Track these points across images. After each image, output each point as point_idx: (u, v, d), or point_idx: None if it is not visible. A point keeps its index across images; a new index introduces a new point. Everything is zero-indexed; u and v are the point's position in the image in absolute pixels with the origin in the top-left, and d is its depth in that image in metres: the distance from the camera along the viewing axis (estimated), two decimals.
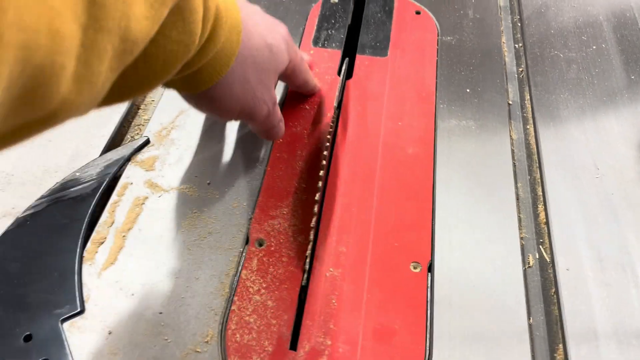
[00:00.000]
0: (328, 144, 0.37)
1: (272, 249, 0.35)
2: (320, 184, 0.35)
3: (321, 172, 0.35)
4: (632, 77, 0.47)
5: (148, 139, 0.40)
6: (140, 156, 0.39)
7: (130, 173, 0.38)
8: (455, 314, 0.32)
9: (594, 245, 0.36)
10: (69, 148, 0.39)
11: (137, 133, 0.41)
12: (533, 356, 0.31)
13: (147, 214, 0.36)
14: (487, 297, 0.33)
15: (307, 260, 0.33)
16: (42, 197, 0.36)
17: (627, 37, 0.50)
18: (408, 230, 0.36)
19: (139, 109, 0.43)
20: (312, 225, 0.35)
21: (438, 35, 0.50)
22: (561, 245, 0.36)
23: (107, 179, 0.37)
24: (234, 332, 0.31)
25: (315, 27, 0.49)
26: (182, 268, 0.33)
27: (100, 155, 0.39)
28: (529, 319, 0.33)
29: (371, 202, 0.37)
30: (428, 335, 0.31)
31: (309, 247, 0.34)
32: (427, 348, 0.31)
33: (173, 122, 0.41)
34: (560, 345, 0.32)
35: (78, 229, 0.34)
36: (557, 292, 0.34)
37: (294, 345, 0.31)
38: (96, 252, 0.34)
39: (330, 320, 0.32)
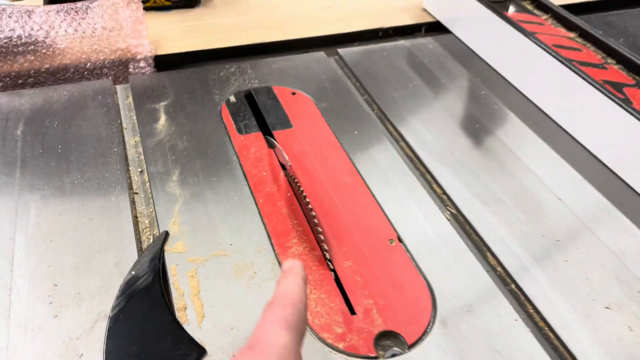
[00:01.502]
0: (302, 189, 0.53)
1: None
2: (314, 214, 0.51)
3: (310, 206, 0.51)
4: (442, 80, 0.73)
5: (167, 232, 0.51)
6: (169, 246, 0.50)
7: (171, 259, 0.49)
8: (428, 258, 0.51)
9: (477, 195, 0.58)
10: (110, 261, 0.48)
11: (152, 234, 0.52)
12: (480, 264, 0.51)
13: (203, 278, 0.47)
14: (440, 242, 0.52)
15: (329, 263, 0.49)
16: (118, 297, 0.45)
17: (426, 71, 0.76)
18: (373, 223, 0.54)
19: (137, 217, 0.54)
20: (320, 242, 0.50)
21: (316, 105, 0.70)
22: (459, 201, 0.57)
23: (158, 269, 0.48)
24: (312, 319, 0.45)
25: (232, 122, 0.65)
26: (254, 300, 0.46)
27: (138, 257, 0.49)
28: (466, 246, 0.53)
29: (342, 216, 0.54)
30: (422, 276, 0.49)
31: (325, 255, 0.50)
32: (427, 283, 0.49)
33: (177, 214, 0.53)
34: (489, 254, 0.52)
35: (163, 306, 0.45)
36: (472, 227, 0.55)
37: (353, 312, 0.46)
38: (186, 315, 0.45)
39: (364, 291, 0.48)
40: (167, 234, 0.51)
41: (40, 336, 0.42)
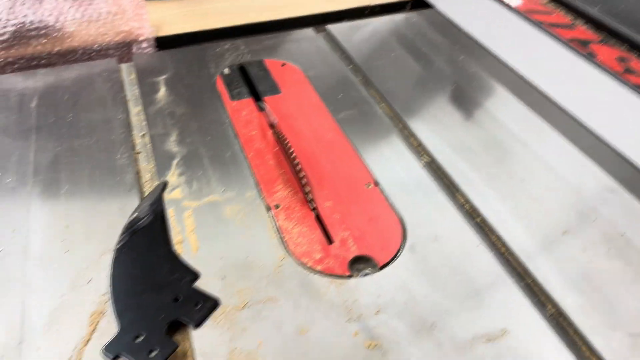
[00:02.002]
0: (287, 141, 0.59)
1: (286, 206, 0.55)
2: (297, 162, 0.56)
3: (293, 155, 0.57)
4: (422, 49, 0.78)
5: (165, 181, 0.57)
6: (168, 193, 0.56)
7: (170, 204, 0.55)
8: (402, 198, 0.56)
9: (450, 145, 0.63)
10: (115, 206, 0.54)
11: (152, 185, 0.58)
12: (450, 202, 0.56)
13: (198, 218, 0.53)
14: (413, 185, 0.57)
15: (311, 203, 0.54)
16: (122, 233, 0.51)
17: (408, 41, 0.82)
18: (353, 170, 0.59)
19: (139, 172, 0.60)
20: (303, 185, 0.56)
21: (304, 73, 0.75)
22: (433, 150, 0.62)
23: (158, 210, 0.53)
24: (294, 248, 0.50)
25: (226, 91, 0.71)
26: (241, 234, 0.52)
27: (140, 202, 0.55)
28: (438, 187, 0.57)
29: (324, 165, 0.60)
30: (395, 212, 0.54)
31: (308, 197, 0.55)
32: (399, 217, 0.54)
33: (175, 167, 0.59)
34: (458, 194, 0.57)
35: (161, 240, 0.50)
36: (443, 172, 0.60)
37: (330, 241, 0.51)
38: (182, 247, 0.50)
39: (341, 224, 0.53)
40: (165, 183, 0.57)
41: (53, 266, 0.48)
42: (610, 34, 0.70)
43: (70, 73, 0.75)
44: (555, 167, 0.59)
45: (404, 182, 0.58)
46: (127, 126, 0.65)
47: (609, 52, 0.67)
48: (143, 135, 0.65)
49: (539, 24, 0.71)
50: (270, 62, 0.77)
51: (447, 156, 0.61)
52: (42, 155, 0.60)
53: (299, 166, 0.56)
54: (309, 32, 0.85)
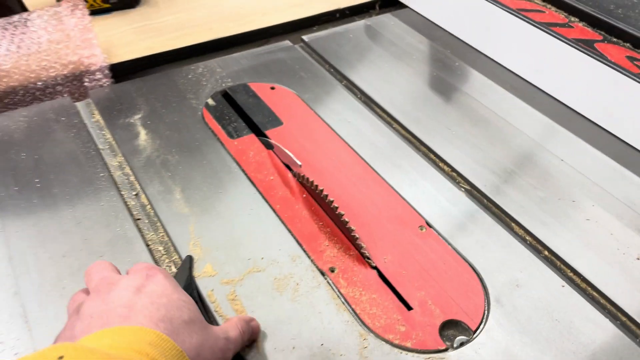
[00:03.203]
0: (321, 188, 0.51)
1: (343, 268, 0.47)
2: (342, 212, 0.49)
3: (335, 205, 0.49)
4: (414, 56, 0.72)
5: (191, 256, 0.47)
6: (198, 270, 0.46)
7: (204, 284, 0.45)
8: (461, 238, 0.50)
9: (485, 167, 0.58)
10: None
11: (171, 261, 0.48)
12: (510, 234, 0.51)
13: (245, 299, 0.44)
14: (466, 220, 0.52)
15: (369, 261, 0.47)
16: None
17: (395, 48, 0.75)
18: (399, 212, 0.52)
19: (149, 246, 0.49)
20: (354, 240, 0.48)
21: (299, 97, 0.67)
22: (470, 176, 0.57)
23: (194, 295, 0.44)
24: (372, 322, 0.43)
25: (220, 127, 0.61)
26: (306, 313, 0.44)
27: None
28: (492, 220, 0.53)
29: (366, 210, 0.53)
30: (462, 257, 0.49)
31: (363, 254, 0.48)
32: (468, 263, 0.48)
33: (192, 235, 0.49)
34: (514, 225, 0.53)
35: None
36: (490, 201, 0.55)
37: (408, 307, 0.45)
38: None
39: (413, 284, 0.46)
40: (191, 258, 0.47)
41: None
42: (609, 32, 0.68)
43: (17, 121, 0.61)
44: (599, 182, 0.57)
45: (455, 219, 0.53)
46: (114, 186, 0.54)
47: (617, 51, 0.65)
48: (136, 195, 0.54)
49: (540, 24, 0.68)
50: (257, 86, 0.68)
51: (488, 181, 0.57)
52: (20, 244, 0.48)
53: (344, 218, 0.49)
54: (285, 44, 0.77)
